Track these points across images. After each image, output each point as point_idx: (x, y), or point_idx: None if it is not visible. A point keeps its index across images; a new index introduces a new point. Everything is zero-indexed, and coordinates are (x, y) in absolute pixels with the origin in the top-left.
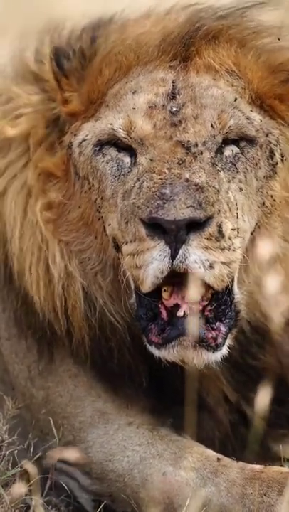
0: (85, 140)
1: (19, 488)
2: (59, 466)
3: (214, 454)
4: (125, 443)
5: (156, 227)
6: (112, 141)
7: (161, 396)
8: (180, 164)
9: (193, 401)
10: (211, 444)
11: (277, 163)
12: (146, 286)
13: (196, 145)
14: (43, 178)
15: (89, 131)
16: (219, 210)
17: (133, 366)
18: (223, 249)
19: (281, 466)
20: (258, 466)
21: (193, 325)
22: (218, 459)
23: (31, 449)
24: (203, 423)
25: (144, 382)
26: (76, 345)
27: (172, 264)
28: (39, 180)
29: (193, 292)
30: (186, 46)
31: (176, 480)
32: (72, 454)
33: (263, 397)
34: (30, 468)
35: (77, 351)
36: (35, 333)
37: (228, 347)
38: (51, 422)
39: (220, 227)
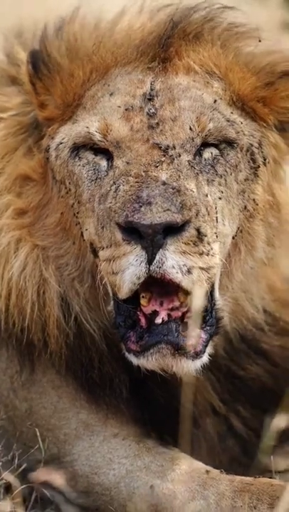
0: (61, 143)
1: (4, 506)
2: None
3: (203, 466)
4: (111, 455)
5: (133, 232)
6: (88, 145)
7: (145, 407)
8: (157, 167)
9: (188, 415)
10: (198, 457)
11: (259, 167)
12: (123, 293)
13: (174, 147)
14: (20, 182)
15: (66, 134)
16: (197, 214)
17: (113, 376)
18: (201, 254)
19: (271, 478)
20: (247, 478)
21: (172, 332)
22: (207, 471)
23: (15, 461)
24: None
25: (125, 393)
26: (52, 355)
27: (149, 270)
28: (15, 184)
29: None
30: (164, 47)
31: (164, 493)
32: (57, 479)
33: (277, 424)
34: (13, 481)
35: (54, 361)
36: (16, 343)
37: (212, 355)
38: (37, 434)
39: (198, 231)
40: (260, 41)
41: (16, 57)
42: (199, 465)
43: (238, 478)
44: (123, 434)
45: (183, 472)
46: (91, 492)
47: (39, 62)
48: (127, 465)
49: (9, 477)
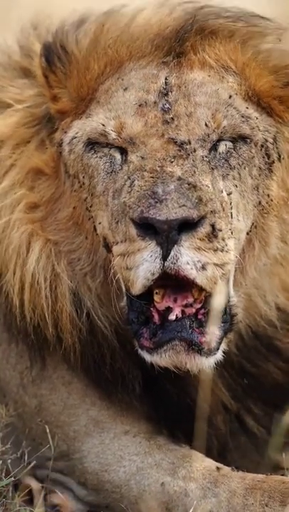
0: (75, 138)
1: (13, 504)
2: (53, 476)
3: (214, 463)
4: (121, 452)
5: (148, 228)
6: (103, 142)
7: (158, 404)
8: (172, 162)
9: (204, 414)
10: (209, 454)
11: (273, 162)
12: (137, 288)
13: (189, 142)
14: (32, 176)
15: (79, 129)
16: (212, 210)
17: (126, 373)
18: (216, 250)
19: (283, 475)
20: (259, 476)
21: (186, 329)
22: (218, 469)
23: (25, 458)
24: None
25: (138, 389)
26: (67, 350)
27: (164, 266)
28: (27, 178)
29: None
30: (180, 41)
31: (175, 490)
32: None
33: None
34: (34, 485)
35: (69, 357)
36: (27, 338)
37: (224, 352)
38: (47, 430)
39: (213, 227)
40: (280, 40)
41: (31, 48)
42: (211, 462)
43: (250, 475)
44: (134, 431)
45: (194, 469)
46: (101, 489)
47: (53, 55)
48: (137, 462)
49: (28, 480)
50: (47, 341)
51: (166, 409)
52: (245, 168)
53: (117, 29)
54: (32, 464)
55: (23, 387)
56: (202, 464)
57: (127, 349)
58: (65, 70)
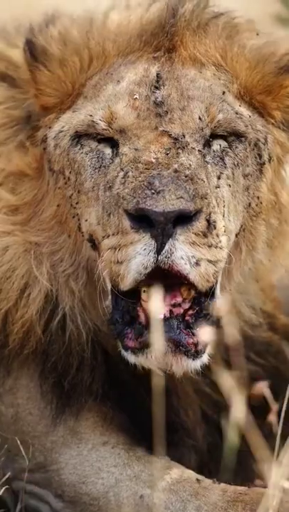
0: (61, 131)
1: None
2: (30, 488)
3: (194, 475)
4: (100, 464)
5: (142, 220)
6: (91, 134)
7: (135, 415)
8: (168, 154)
9: (161, 417)
10: (189, 466)
11: (264, 163)
12: (127, 283)
13: (184, 136)
14: (13, 179)
15: (66, 123)
16: (208, 204)
17: (89, 383)
18: (210, 246)
19: (265, 487)
20: (241, 488)
21: (174, 329)
22: (199, 481)
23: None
24: (180, 443)
25: (100, 394)
26: (36, 359)
27: (157, 260)
28: (8, 180)
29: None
30: (168, 35)
31: (155, 503)
32: None
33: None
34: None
35: (37, 365)
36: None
37: (209, 356)
38: (23, 441)
39: (208, 222)
40: (258, 34)
41: (4, 53)
42: (191, 474)
43: (232, 487)
44: (112, 442)
45: (174, 481)
46: (78, 502)
47: (36, 50)
48: (116, 474)
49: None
50: (16, 350)
51: (144, 420)
52: (239, 168)
53: (84, 25)
54: (7, 475)
55: None
56: (182, 476)
57: (98, 359)
58: (46, 65)
